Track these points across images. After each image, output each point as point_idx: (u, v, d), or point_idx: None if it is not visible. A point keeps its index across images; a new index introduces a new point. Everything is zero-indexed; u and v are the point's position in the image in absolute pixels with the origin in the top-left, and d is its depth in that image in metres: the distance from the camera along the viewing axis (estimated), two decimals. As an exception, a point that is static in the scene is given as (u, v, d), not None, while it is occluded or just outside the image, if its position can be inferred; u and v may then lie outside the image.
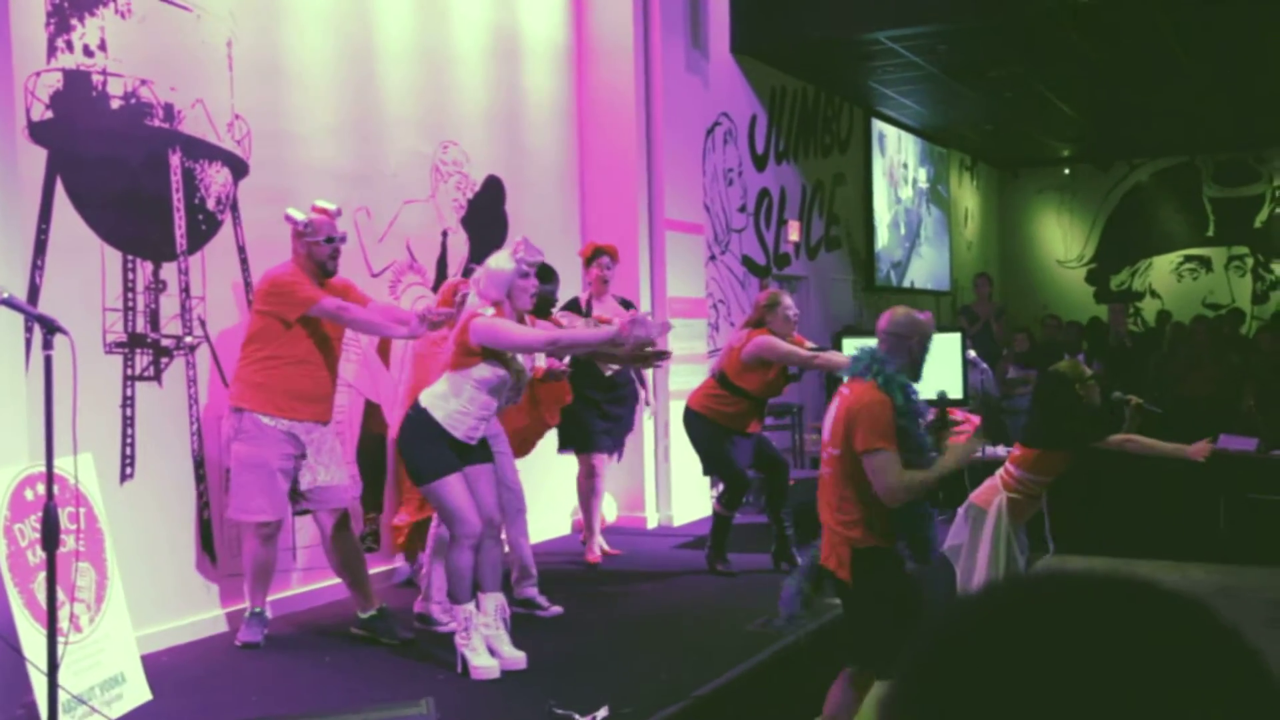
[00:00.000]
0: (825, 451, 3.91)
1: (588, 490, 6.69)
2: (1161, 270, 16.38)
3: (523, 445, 5.91)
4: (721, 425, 6.27)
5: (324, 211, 5.00)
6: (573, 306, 6.49)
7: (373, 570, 6.15)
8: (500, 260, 4.68)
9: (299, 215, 4.95)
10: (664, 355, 5.08)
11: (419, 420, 4.55)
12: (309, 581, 5.78)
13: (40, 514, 3.28)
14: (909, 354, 3.88)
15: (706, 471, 6.68)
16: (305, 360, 4.93)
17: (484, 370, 4.50)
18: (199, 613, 5.19)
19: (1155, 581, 0.69)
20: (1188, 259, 16.25)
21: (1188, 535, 8.39)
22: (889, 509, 3.82)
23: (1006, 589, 0.72)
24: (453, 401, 4.53)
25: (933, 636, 0.69)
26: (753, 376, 6.19)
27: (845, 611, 4.07)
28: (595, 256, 6.57)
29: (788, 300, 6.29)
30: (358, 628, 5.07)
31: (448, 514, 4.54)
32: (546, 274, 5.79)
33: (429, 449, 4.53)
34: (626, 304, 6.73)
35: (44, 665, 3.22)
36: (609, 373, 6.24)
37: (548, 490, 7.02)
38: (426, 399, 4.57)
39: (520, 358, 4.63)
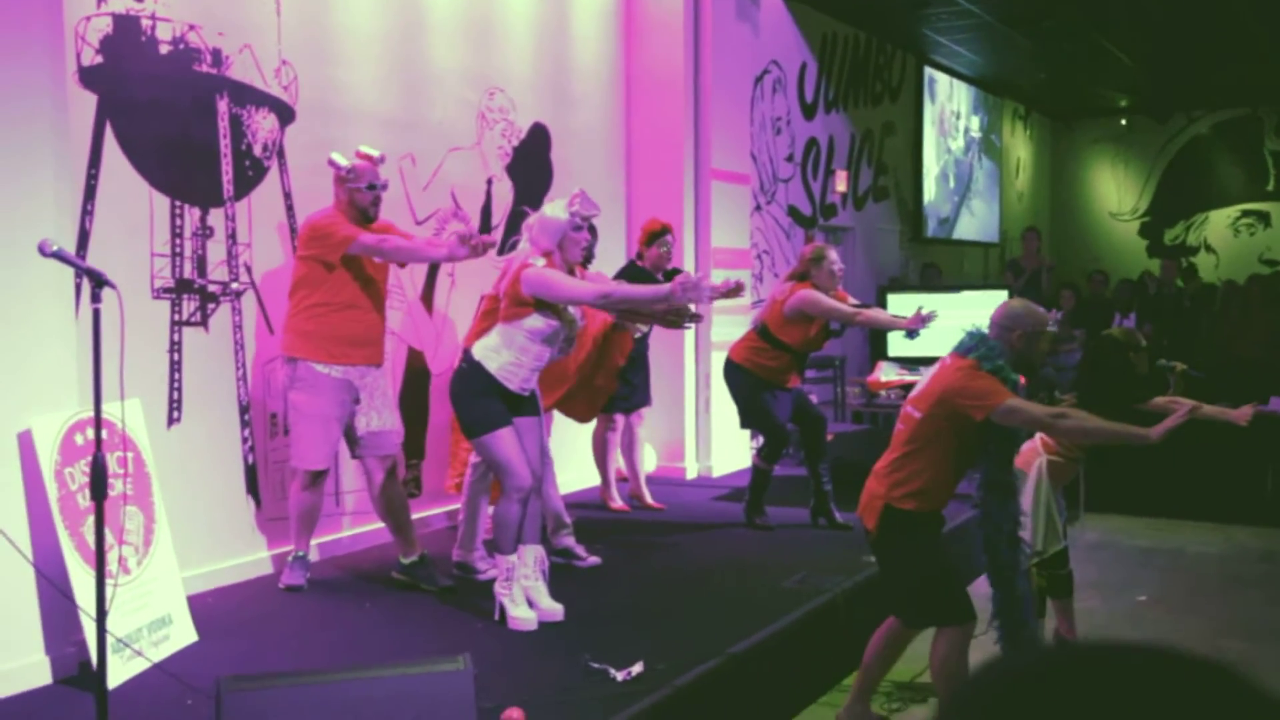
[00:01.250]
0: (905, 408, 3.95)
1: (601, 445, 6.79)
2: (1217, 225, 16.06)
3: (590, 408, 5.95)
4: (762, 378, 6.26)
5: (367, 158, 5.01)
6: (633, 270, 6.48)
7: (416, 515, 6.24)
8: (555, 209, 4.66)
9: (342, 160, 4.96)
10: (696, 317, 5.10)
11: (471, 373, 4.56)
12: (354, 525, 5.87)
13: (90, 459, 3.34)
14: (1010, 348, 3.89)
15: (745, 425, 6.68)
16: (353, 304, 4.96)
17: (536, 321, 4.50)
18: (244, 555, 5.29)
19: (1190, 653, 0.68)
20: (1245, 214, 15.90)
21: (1234, 498, 8.30)
22: (947, 490, 3.86)
23: (1045, 663, 0.72)
24: (505, 353, 4.53)
25: (975, 701, 0.69)
26: (794, 330, 6.16)
27: (878, 562, 4.14)
28: (661, 234, 6.52)
29: (833, 254, 6.25)
30: (399, 573, 5.15)
31: (498, 467, 4.57)
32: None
33: (481, 402, 4.54)
34: (671, 273, 6.71)
35: (93, 609, 3.30)
36: (638, 334, 6.25)
37: (583, 441, 7.05)
38: (479, 351, 4.58)
39: (572, 308, 4.63)
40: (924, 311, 5.98)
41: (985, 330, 3.93)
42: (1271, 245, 15.66)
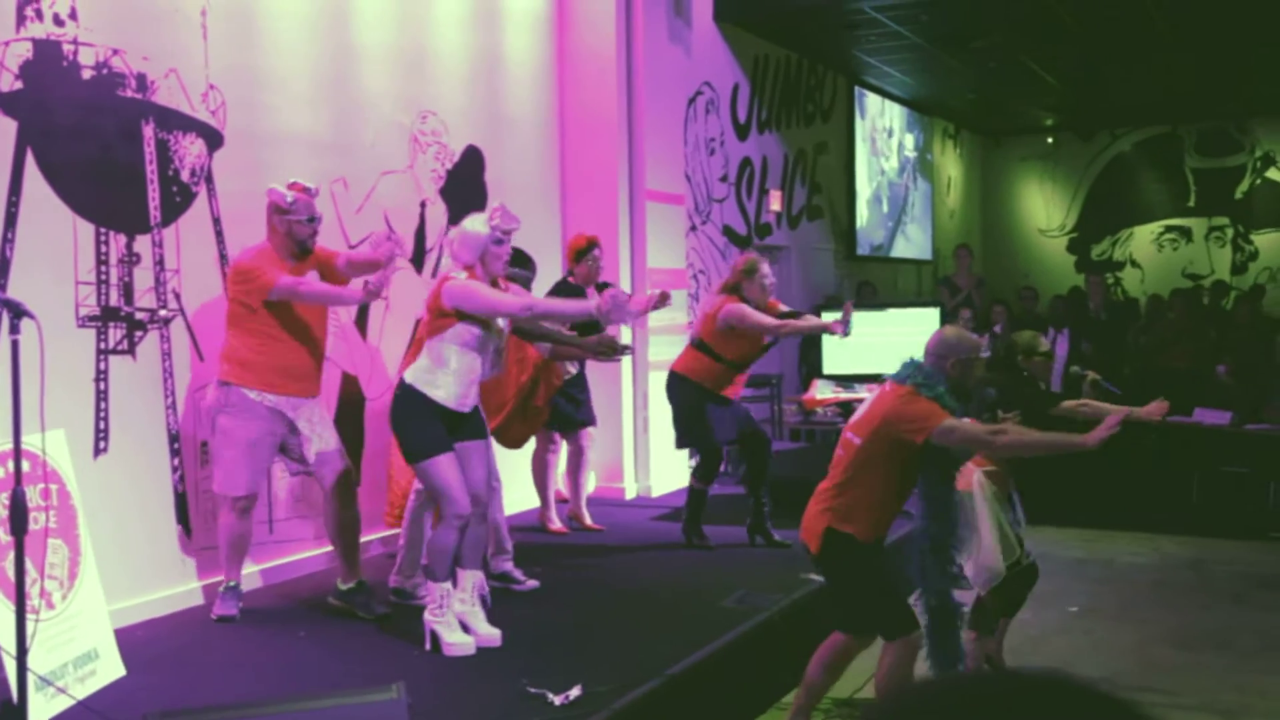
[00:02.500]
0: (845, 434, 4.00)
1: (541, 467, 6.76)
2: (1142, 240, 16.42)
3: (525, 433, 6.02)
4: (705, 388, 6.23)
5: (305, 190, 4.97)
6: (565, 287, 6.46)
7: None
8: (475, 224, 4.66)
9: (287, 193, 4.91)
10: (626, 349, 5.13)
11: (406, 398, 4.53)
12: (287, 554, 5.78)
13: (10, 493, 3.27)
14: (946, 375, 3.95)
15: (681, 444, 6.62)
16: (294, 336, 4.93)
17: (460, 331, 4.49)
18: (174, 586, 5.19)
19: (1084, 683, 0.71)
20: (1168, 229, 16.29)
21: (1161, 508, 8.48)
22: (889, 516, 3.90)
23: (946, 691, 0.74)
24: (437, 371, 4.51)
25: None
26: (730, 345, 6.18)
27: (825, 578, 4.21)
28: (588, 249, 6.51)
29: (766, 268, 6.26)
30: (335, 598, 5.09)
31: (438, 493, 4.53)
32: (522, 260, 5.79)
33: (421, 426, 4.50)
34: (602, 289, 6.71)
35: (14, 646, 3.22)
36: (571, 372, 6.29)
37: (525, 464, 7.02)
38: (411, 375, 4.56)
39: (499, 321, 4.62)
40: (849, 306, 6.08)
41: (920, 359, 4.00)
42: (1194, 260, 16.05)
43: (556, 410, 6.49)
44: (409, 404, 4.53)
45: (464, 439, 4.62)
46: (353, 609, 5.02)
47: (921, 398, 3.85)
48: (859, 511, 3.89)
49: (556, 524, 6.80)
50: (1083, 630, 5.98)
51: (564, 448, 6.88)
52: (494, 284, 4.71)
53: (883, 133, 13.32)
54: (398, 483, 5.91)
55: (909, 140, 14.19)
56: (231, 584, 5.01)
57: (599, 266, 6.56)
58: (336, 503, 5.04)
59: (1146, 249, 16.38)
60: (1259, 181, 15.72)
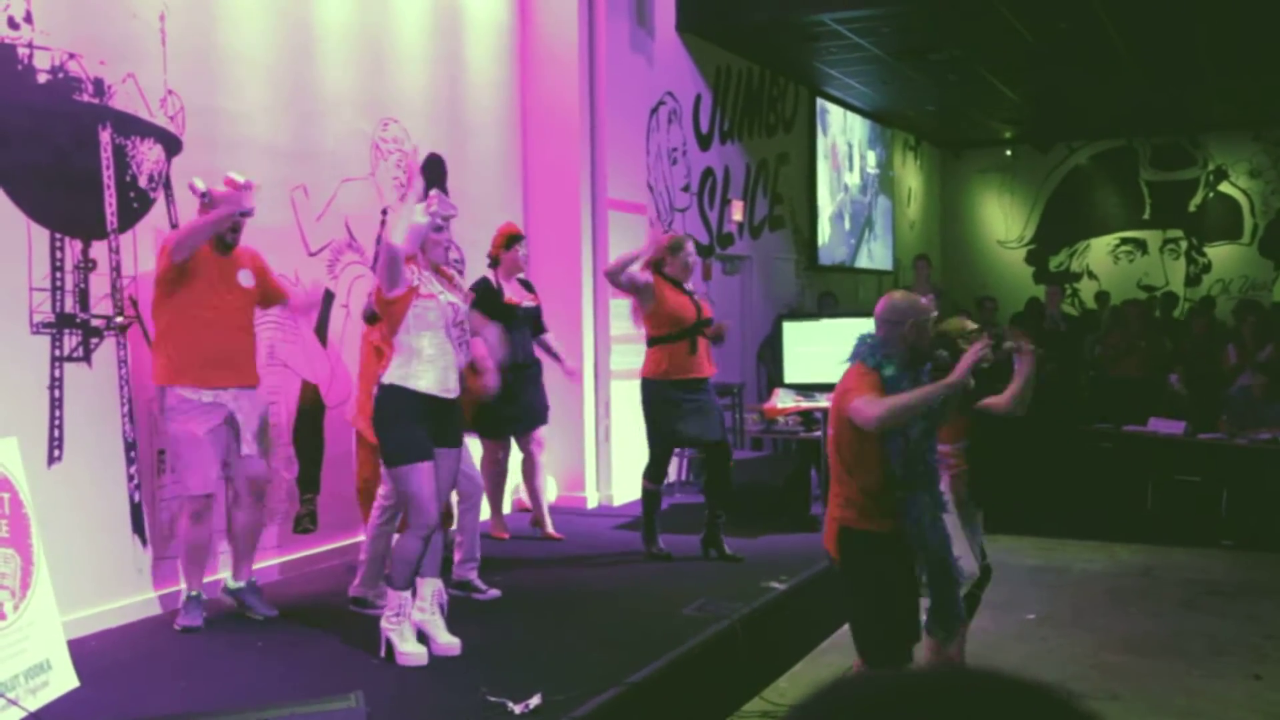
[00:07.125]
0: (829, 429, 4.03)
1: (494, 475, 6.63)
2: (1099, 252, 16.64)
3: None
4: (660, 382, 6.15)
5: (232, 184, 4.98)
6: (484, 287, 6.28)
7: (311, 550, 6.15)
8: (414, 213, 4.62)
9: (200, 185, 4.94)
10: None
11: (388, 397, 4.48)
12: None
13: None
14: (902, 341, 3.87)
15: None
16: (212, 323, 4.93)
17: (415, 310, 4.44)
18: (129, 596, 5.13)
19: (1019, 678, 0.72)
20: (1124, 241, 16.51)
21: (1116, 516, 8.59)
22: (879, 494, 3.86)
23: (872, 689, 0.75)
24: (412, 363, 4.46)
25: None
26: (661, 317, 6.12)
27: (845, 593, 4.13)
28: (519, 238, 6.47)
29: (690, 246, 6.25)
30: (225, 593, 5.16)
31: (409, 501, 4.48)
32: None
33: (404, 429, 4.45)
34: (527, 284, 6.68)
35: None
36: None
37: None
38: (388, 376, 4.50)
39: (445, 296, 4.56)
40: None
41: (871, 334, 3.95)
42: (1149, 271, 16.28)
43: (498, 414, 6.41)
44: (391, 404, 4.47)
45: (441, 443, 4.57)
46: (244, 610, 5.11)
47: (864, 370, 3.81)
48: (860, 501, 3.82)
49: (501, 532, 6.78)
50: (1039, 637, 6.05)
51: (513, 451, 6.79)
52: (435, 271, 4.67)
53: (844, 147, 13.41)
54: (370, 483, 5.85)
55: (871, 158, 14.29)
56: (193, 594, 4.96)
57: (527, 258, 6.57)
58: (250, 504, 5.12)
59: (1103, 260, 16.60)
60: (1211, 195, 15.98)
